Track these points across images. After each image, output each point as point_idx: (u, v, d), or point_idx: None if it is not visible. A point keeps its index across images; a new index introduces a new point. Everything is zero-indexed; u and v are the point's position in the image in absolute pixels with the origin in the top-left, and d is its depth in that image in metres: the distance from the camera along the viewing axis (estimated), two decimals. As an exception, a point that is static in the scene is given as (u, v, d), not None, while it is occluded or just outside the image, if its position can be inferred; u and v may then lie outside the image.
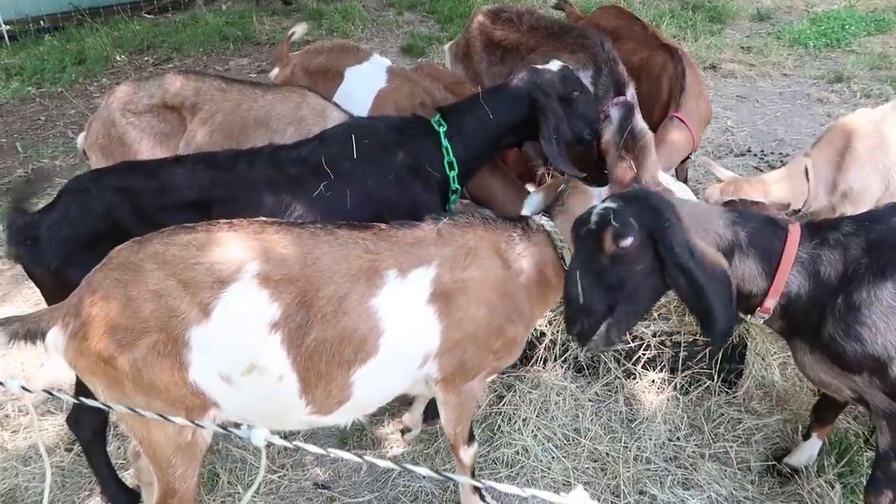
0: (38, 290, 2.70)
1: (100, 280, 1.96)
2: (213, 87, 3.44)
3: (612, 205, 2.18)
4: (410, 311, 2.12)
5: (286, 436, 3.16)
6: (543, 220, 2.45)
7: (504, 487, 0.83)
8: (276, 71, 4.43)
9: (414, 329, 2.15)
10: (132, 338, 1.91)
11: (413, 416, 3.13)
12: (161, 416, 1.05)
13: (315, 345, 2.00)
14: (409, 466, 0.77)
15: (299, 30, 4.84)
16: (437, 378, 2.33)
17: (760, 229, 2.26)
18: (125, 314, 1.91)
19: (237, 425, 2.78)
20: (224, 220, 2.09)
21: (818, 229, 2.28)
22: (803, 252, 2.23)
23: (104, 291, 1.93)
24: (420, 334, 2.17)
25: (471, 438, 2.61)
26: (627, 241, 2.10)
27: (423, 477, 2.95)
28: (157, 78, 3.51)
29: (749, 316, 2.36)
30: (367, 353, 2.08)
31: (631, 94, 3.58)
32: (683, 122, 3.85)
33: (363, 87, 3.93)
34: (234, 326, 1.95)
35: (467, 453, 2.61)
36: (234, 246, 2.00)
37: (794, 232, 2.25)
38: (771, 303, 2.24)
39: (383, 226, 2.21)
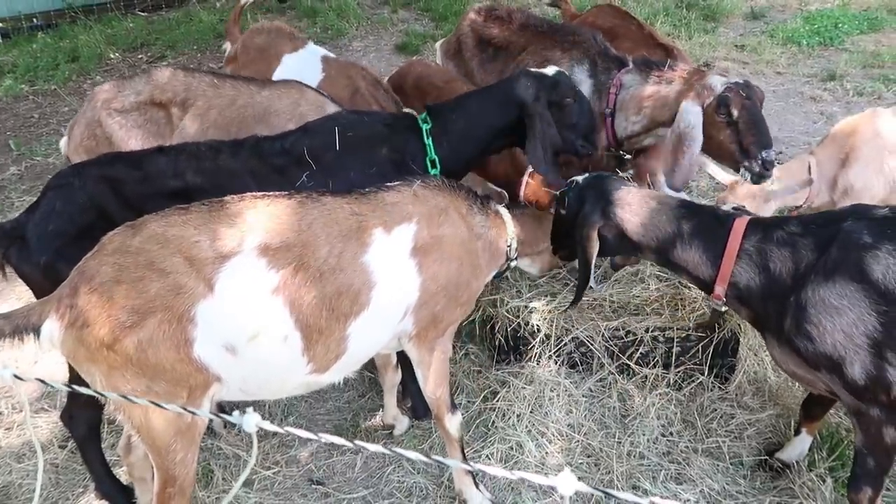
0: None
1: (96, 267, 1.97)
2: (205, 82, 3.42)
3: (578, 179, 2.70)
4: (396, 264, 2.30)
5: (280, 423, 3.18)
6: (502, 210, 2.74)
7: (493, 470, 0.85)
8: (227, 45, 4.50)
9: (399, 281, 2.32)
10: (138, 318, 1.93)
11: (389, 412, 3.16)
12: (154, 403, 1.06)
13: (316, 301, 2.13)
14: (399, 451, 0.78)
15: None
16: (411, 333, 2.48)
17: (705, 222, 2.50)
18: (130, 295, 1.94)
19: (229, 413, 2.80)
20: (215, 199, 2.15)
21: (762, 225, 2.43)
22: (748, 245, 2.38)
23: (103, 277, 1.95)
24: (403, 287, 2.34)
25: (453, 406, 2.70)
26: (563, 210, 2.71)
27: (417, 472, 2.96)
28: (142, 74, 3.47)
29: (709, 299, 2.57)
30: (361, 305, 2.23)
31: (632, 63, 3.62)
32: None
33: (301, 77, 3.85)
34: (241, 296, 2.03)
35: (452, 422, 2.69)
36: (230, 221, 2.07)
37: (739, 225, 2.42)
38: (719, 290, 2.44)
39: (363, 190, 2.36)
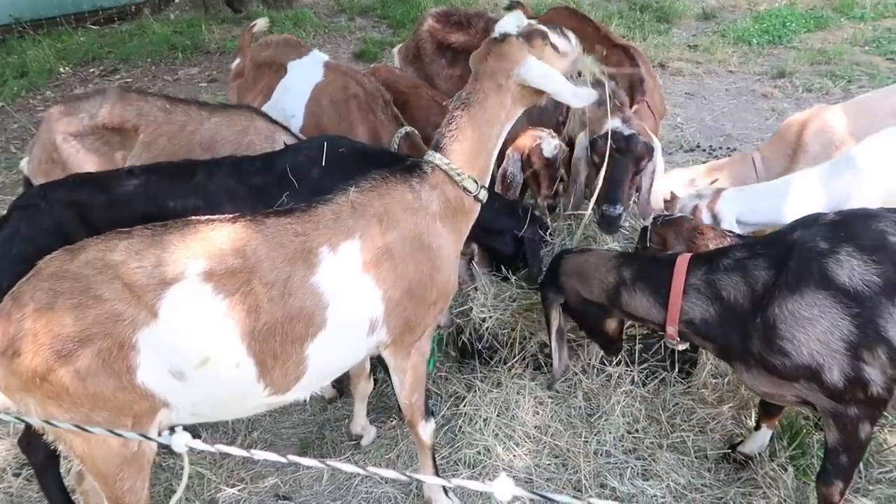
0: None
1: (30, 292, 1.89)
2: (157, 107, 3.35)
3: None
4: (347, 281, 2.19)
5: (244, 438, 3.12)
6: (437, 160, 2.36)
7: (427, 479, 0.85)
8: (237, 61, 4.53)
9: (354, 298, 2.22)
10: (74, 347, 1.86)
11: (358, 422, 3.13)
12: (79, 426, 1.02)
13: (267, 328, 2.05)
14: (333, 463, 0.76)
15: (260, 23, 4.90)
16: (387, 342, 2.42)
17: (646, 266, 2.59)
18: (65, 323, 1.85)
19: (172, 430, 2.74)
20: (158, 224, 2.08)
21: (706, 257, 2.47)
22: (695, 279, 2.42)
23: (37, 303, 1.87)
24: (361, 302, 2.24)
25: (428, 413, 2.67)
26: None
27: (386, 483, 2.93)
28: (96, 96, 3.38)
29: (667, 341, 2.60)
30: (317, 327, 2.14)
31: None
32: (651, 109, 3.95)
33: (302, 80, 4.02)
34: (185, 323, 1.95)
35: (426, 430, 2.67)
36: (174, 247, 2.00)
37: (682, 263, 2.45)
38: (671, 330, 2.47)
39: (303, 206, 2.26)
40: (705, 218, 3.26)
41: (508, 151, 3.53)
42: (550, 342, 2.90)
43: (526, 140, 3.55)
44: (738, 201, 3.27)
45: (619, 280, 2.58)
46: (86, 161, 3.27)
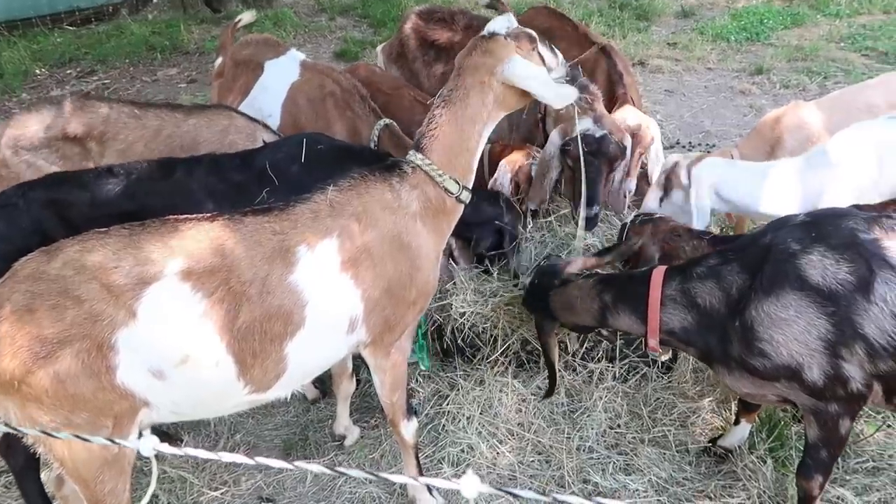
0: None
1: (6, 295, 1.88)
2: (125, 113, 3.26)
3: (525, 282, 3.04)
4: (326, 280, 2.19)
5: (226, 441, 3.09)
6: (418, 160, 2.36)
7: (396, 478, 0.86)
8: (219, 60, 4.52)
9: (333, 296, 2.22)
10: (52, 349, 1.85)
11: (341, 422, 3.13)
12: (45, 432, 1.02)
13: (246, 326, 2.05)
14: (301, 464, 0.77)
15: (246, 17, 4.85)
16: (367, 341, 2.41)
17: (623, 286, 2.63)
18: (43, 325, 1.85)
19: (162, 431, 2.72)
20: (136, 223, 2.07)
21: (678, 268, 2.52)
22: (671, 290, 2.45)
23: (14, 305, 1.86)
24: (341, 300, 2.24)
25: (410, 412, 2.67)
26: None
27: (370, 482, 2.93)
28: (52, 106, 3.26)
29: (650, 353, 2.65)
30: (296, 325, 2.14)
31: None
32: (633, 102, 3.98)
33: (279, 79, 4.03)
34: (164, 322, 1.95)
35: (408, 429, 2.67)
36: (152, 246, 2.00)
37: (657, 276, 2.49)
38: (652, 342, 2.51)
39: (281, 204, 2.25)
40: (682, 177, 3.24)
41: (501, 163, 3.60)
42: (552, 365, 2.95)
43: (519, 157, 3.60)
44: (720, 168, 3.24)
45: (602, 305, 2.62)
46: (40, 175, 3.16)
